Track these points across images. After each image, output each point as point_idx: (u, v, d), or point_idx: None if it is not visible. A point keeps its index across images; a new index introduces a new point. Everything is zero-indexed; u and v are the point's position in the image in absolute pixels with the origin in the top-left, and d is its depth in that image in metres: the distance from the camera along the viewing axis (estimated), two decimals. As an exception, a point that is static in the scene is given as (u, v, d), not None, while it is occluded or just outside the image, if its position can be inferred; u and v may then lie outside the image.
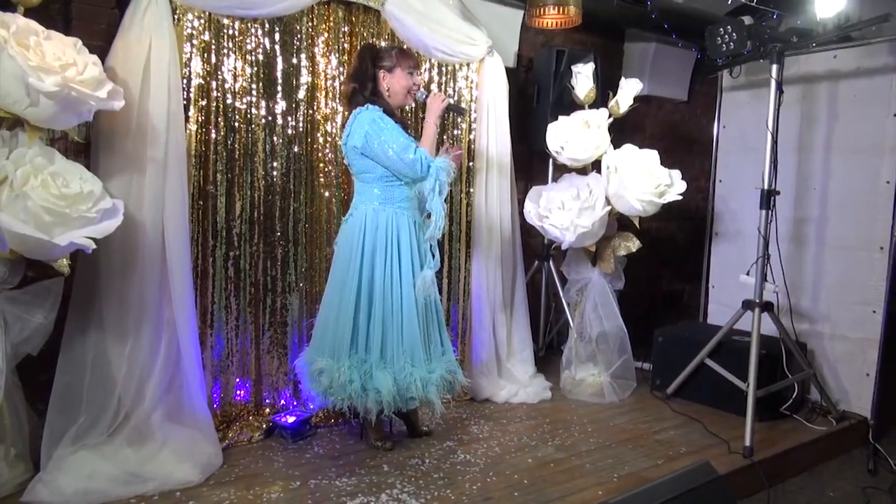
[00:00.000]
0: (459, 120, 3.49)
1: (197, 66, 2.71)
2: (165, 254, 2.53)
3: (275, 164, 2.94)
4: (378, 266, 2.61)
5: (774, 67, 3.09)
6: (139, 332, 2.50)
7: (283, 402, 3.03)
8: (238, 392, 2.92)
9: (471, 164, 3.47)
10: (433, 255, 2.62)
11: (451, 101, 2.78)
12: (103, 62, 2.38)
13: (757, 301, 3.11)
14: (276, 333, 3.01)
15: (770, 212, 3.12)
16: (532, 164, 4.17)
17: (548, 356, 4.16)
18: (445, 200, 2.62)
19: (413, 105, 2.88)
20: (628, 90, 3.56)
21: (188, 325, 2.56)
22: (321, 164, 3.07)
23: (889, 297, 3.39)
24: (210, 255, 2.79)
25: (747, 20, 3.46)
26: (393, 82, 2.68)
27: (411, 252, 2.64)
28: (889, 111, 3.36)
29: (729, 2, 4.23)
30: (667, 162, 3.48)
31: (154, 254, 2.52)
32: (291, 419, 2.85)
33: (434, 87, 3.42)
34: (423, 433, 2.95)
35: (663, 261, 5.00)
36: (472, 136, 3.51)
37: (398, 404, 2.62)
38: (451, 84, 3.46)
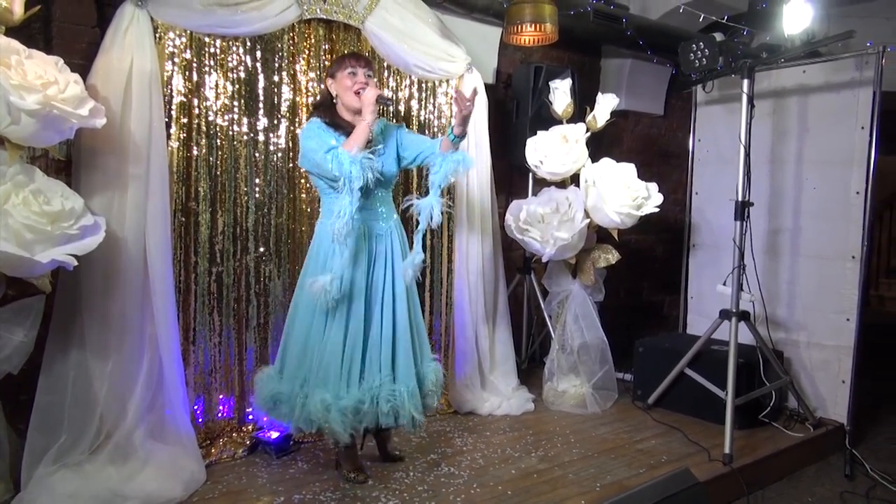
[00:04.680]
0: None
1: (179, 83, 2.72)
2: (147, 270, 2.53)
3: (257, 180, 2.96)
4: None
5: (745, 82, 3.17)
6: (121, 350, 2.49)
7: (266, 417, 3.02)
8: (221, 408, 2.91)
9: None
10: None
11: (381, 93, 2.53)
12: (85, 80, 2.38)
13: (734, 311, 3.17)
14: (259, 349, 3.01)
15: (745, 223, 3.19)
16: (512, 178, 4.23)
17: (530, 368, 4.19)
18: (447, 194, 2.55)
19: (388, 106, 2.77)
20: (605, 105, 3.63)
21: (170, 342, 2.55)
22: (303, 180, 3.09)
23: (862, 305, 3.47)
24: (193, 271, 2.79)
25: (719, 37, 3.56)
26: (338, 87, 2.57)
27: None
28: (857, 124, 3.45)
29: (700, 19, 4.35)
30: (644, 175, 3.55)
31: (136, 270, 2.52)
32: (275, 435, 2.84)
33: (414, 102, 3.47)
34: (395, 458, 2.82)
35: (643, 272, 5.07)
36: (452, 151, 3.55)
37: (298, 424, 2.51)
38: (432, 100, 3.51)
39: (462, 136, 2.58)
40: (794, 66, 3.68)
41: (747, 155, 3.16)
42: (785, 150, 3.78)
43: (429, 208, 2.54)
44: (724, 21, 4.44)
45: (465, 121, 2.53)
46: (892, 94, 3.73)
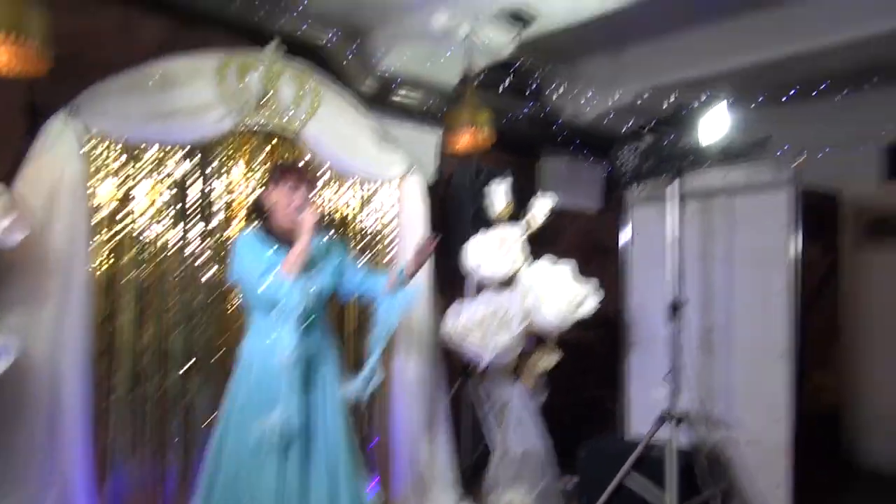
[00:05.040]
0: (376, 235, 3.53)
1: (108, 191, 2.67)
2: (61, 394, 2.38)
3: (187, 292, 2.87)
4: None
5: (673, 184, 3.30)
6: (25, 485, 2.30)
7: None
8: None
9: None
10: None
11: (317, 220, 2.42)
12: (11, 189, 2.32)
13: (671, 414, 3.16)
14: (184, 475, 2.79)
15: (677, 323, 3.23)
16: (455, 279, 4.21)
17: (474, 477, 4.01)
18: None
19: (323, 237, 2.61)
20: (542, 206, 3.71)
21: (80, 473, 2.39)
22: (234, 292, 3.00)
23: (799, 401, 3.49)
24: (113, 391, 2.64)
25: (648, 139, 3.71)
26: (277, 198, 2.41)
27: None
28: (779, 224, 3.59)
29: (630, 122, 4.56)
30: (585, 270, 3.56)
31: (48, 393, 2.38)
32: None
33: (354, 207, 3.47)
34: None
35: (584, 368, 5.03)
36: (392, 253, 3.55)
37: None
38: (371, 204, 3.52)
39: (411, 278, 2.65)
40: (718, 168, 3.85)
41: (677, 255, 3.24)
42: (715, 247, 3.87)
43: (384, 333, 2.55)
44: (644, 132, 4.64)
45: (419, 267, 2.64)
46: (813, 192, 3.91)
